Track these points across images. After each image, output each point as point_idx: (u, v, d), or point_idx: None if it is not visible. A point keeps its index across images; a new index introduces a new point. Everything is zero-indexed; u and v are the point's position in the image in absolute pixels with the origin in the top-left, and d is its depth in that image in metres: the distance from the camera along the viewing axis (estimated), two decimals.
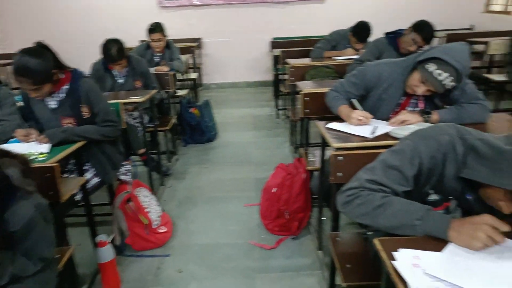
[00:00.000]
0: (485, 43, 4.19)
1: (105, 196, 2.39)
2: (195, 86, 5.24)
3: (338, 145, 1.64)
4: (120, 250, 2.26)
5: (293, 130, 3.68)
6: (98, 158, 2.17)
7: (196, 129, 3.94)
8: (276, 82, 4.86)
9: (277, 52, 4.40)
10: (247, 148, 3.86)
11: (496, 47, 4.12)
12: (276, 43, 5.00)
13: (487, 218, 0.96)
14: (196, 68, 5.66)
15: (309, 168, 2.40)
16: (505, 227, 0.95)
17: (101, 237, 1.90)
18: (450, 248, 0.96)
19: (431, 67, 1.65)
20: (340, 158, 1.55)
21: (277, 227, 2.46)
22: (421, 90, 1.75)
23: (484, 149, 1.03)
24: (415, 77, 1.75)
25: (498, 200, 1.01)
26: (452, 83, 1.66)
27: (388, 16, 5.70)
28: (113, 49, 2.83)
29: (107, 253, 1.90)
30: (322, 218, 2.25)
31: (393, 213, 1.07)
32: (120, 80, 3.09)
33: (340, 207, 1.20)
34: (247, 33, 6.07)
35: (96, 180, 2.16)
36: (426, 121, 1.79)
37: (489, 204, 1.05)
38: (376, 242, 1.01)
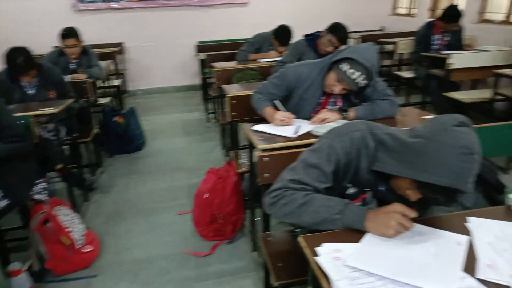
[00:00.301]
0: (394, 43, 4.57)
1: (18, 219, 2.16)
2: (119, 93, 4.99)
3: (263, 146, 1.67)
4: (39, 277, 2.06)
5: (223, 133, 3.67)
6: (6, 178, 1.95)
7: (122, 138, 3.75)
8: (205, 86, 4.82)
9: (203, 55, 4.36)
10: (178, 154, 3.77)
11: (403, 46, 4.52)
12: (201, 47, 4.96)
13: (397, 206, 1.03)
14: (119, 74, 5.41)
15: (240, 170, 2.41)
16: (413, 214, 1.03)
17: (14, 265, 1.71)
18: (367, 238, 1.02)
19: (345, 66, 1.76)
20: (266, 159, 1.58)
21: (211, 232, 2.43)
22: (337, 89, 1.84)
23: (391, 142, 1.11)
24: (331, 76, 1.84)
25: (406, 189, 1.09)
26: (364, 81, 1.78)
27: (307, 19, 5.96)
28: (19, 59, 2.56)
29: (22, 283, 1.72)
30: (255, 219, 2.27)
31: (315, 209, 1.11)
32: (31, 91, 2.82)
33: (267, 209, 1.22)
34: (171, 37, 5.94)
35: (4, 202, 1.94)
36: (344, 118, 1.90)
37: (399, 193, 1.14)
38: (300, 239, 1.04)
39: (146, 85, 6.18)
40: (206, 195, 2.42)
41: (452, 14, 3.85)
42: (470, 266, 0.93)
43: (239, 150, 2.66)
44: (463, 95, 3.65)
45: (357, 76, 1.74)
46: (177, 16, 5.85)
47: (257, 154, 1.60)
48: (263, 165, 1.58)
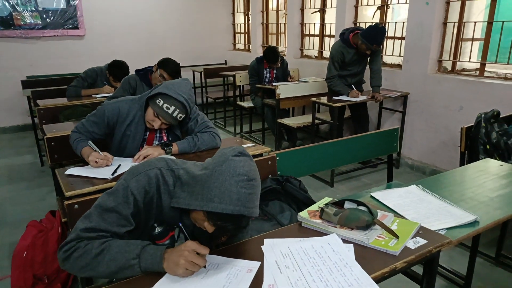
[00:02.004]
0: (233, 76, 4.91)
1: None
2: None
3: (70, 193, 1.52)
4: None
5: (55, 177, 3.27)
6: None
7: None
8: (35, 126, 4.27)
9: (28, 92, 3.88)
10: (0, 206, 3.19)
11: (241, 78, 4.90)
12: (28, 82, 4.42)
13: (189, 244, 1.04)
14: None
15: (65, 219, 2.16)
16: (205, 250, 1.04)
17: None
18: (162, 281, 1.00)
19: (160, 102, 1.77)
20: (76, 206, 1.45)
21: None
22: (157, 124, 1.84)
23: (185, 177, 1.13)
24: (150, 112, 1.83)
25: (202, 221, 1.10)
26: (181, 115, 1.82)
27: (148, 53, 5.98)
28: None
29: None
30: None
31: (111, 257, 1.04)
32: None
33: (61, 265, 1.09)
34: None
35: None
36: (168, 153, 1.90)
37: (199, 226, 1.16)
38: None
39: None
40: (25, 253, 2.09)
41: (270, 56, 4.38)
42: None
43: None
44: (292, 121, 4.12)
45: (173, 110, 1.78)
46: None
47: (65, 202, 1.45)
48: (74, 214, 1.44)
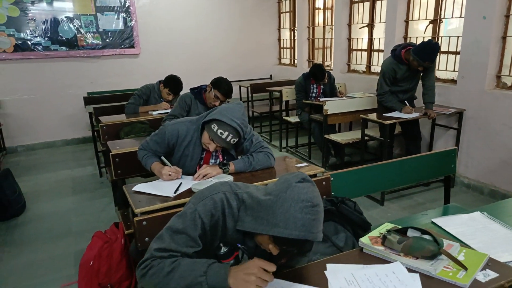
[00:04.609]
0: (280, 91, 4.98)
1: None
2: None
3: (139, 210, 1.63)
4: None
5: (115, 190, 3.48)
6: None
7: None
8: (95, 139, 4.58)
9: (90, 108, 4.18)
10: (65, 217, 3.44)
11: (287, 94, 4.95)
12: (89, 99, 4.76)
13: (257, 261, 1.09)
14: None
15: (128, 232, 2.30)
16: (272, 267, 1.09)
17: None
18: None
19: (215, 127, 1.86)
20: (144, 222, 1.55)
21: None
22: (212, 147, 1.93)
23: (249, 201, 1.19)
24: (205, 136, 1.93)
25: (267, 244, 1.16)
26: (234, 139, 1.90)
27: (198, 71, 6.22)
28: None
29: None
30: None
31: (181, 275, 1.11)
32: None
33: (139, 281, 1.19)
34: (56, 88, 5.60)
35: None
36: (225, 172, 1.98)
37: (262, 248, 1.21)
38: None
39: (29, 141, 5.64)
40: (91, 263, 2.24)
41: (317, 74, 4.40)
42: None
43: (128, 210, 2.54)
44: (339, 137, 4.10)
45: (226, 135, 1.86)
46: (62, 67, 5.57)
47: (134, 218, 1.56)
48: (142, 229, 1.55)
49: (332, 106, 4.05)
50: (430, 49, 3.27)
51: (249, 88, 5.57)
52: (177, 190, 1.81)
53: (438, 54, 3.96)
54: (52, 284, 2.49)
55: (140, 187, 1.89)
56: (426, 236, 1.20)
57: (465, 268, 1.10)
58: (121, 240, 2.30)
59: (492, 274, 1.10)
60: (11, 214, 3.41)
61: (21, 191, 3.65)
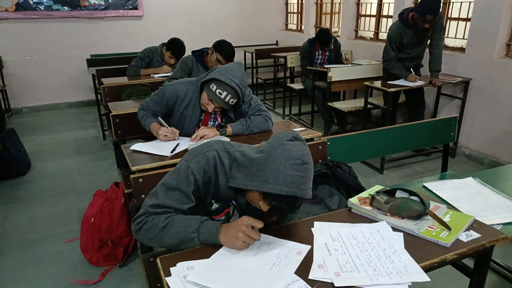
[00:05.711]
0: (285, 57, 4.89)
1: None
2: None
3: (136, 167, 1.66)
4: None
5: (117, 151, 3.53)
6: None
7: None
8: (98, 102, 4.59)
9: (93, 70, 4.16)
10: (69, 176, 3.53)
11: (292, 60, 4.87)
12: (92, 61, 4.72)
13: (245, 219, 1.12)
14: None
15: (127, 191, 2.35)
16: (259, 224, 1.12)
17: None
18: (218, 252, 1.09)
19: (214, 87, 1.84)
20: (140, 180, 1.58)
21: (101, 258, 2.32)
22: (211, 107, 1.93)
23: (241, 159, 1.20)
24: (204, 96, 1.92)
25: (257, 201, 1.18)
26: (233, 100, 1.89)
27: (202, 34, 6.09)
28: None
29: None
30: None
31: (175, 231, 1.15)
32: None
33: (134, 235, 1.23)
34: (58, 50, 5.55)
35: None
36: (222, 134, 1.99)
37: (253, 205, 1.23)
38: (157, 260, 1.07)
39: (33, 102, 5.67)
40: (92, 219, 2.32)
41: (323, 39, 4.29)
42: (307, 268, 1.03)
43: (128, 170, 2.59)
44: (343, 105, 4.06)
45: (225, 96, 1.85)
46: (64, 28, 5.50)
47: (131, 176, 1.59)
48: (138, 186, 1.58)
49: (336, 73, 3.98)
50: (431, 1, 3.14)
51: (253, 53, 5.48)
52: (174, 150, 1.83)
53: (448, 20, 3.83)
54: (55, 238, 2.59)
55: (138, 146, 1.91)
56: (414, 198, 1.22)
57: (449, 228, 1.13)
58: (121, 199, 2.36)
59: (474, 235, 1.12)
60: (16, 172, 3.49)
61: (26, 151, 3.72)
